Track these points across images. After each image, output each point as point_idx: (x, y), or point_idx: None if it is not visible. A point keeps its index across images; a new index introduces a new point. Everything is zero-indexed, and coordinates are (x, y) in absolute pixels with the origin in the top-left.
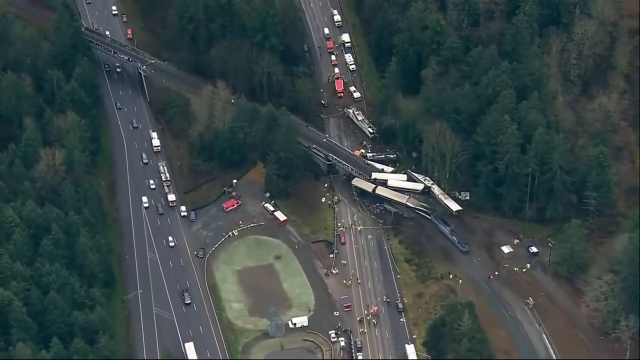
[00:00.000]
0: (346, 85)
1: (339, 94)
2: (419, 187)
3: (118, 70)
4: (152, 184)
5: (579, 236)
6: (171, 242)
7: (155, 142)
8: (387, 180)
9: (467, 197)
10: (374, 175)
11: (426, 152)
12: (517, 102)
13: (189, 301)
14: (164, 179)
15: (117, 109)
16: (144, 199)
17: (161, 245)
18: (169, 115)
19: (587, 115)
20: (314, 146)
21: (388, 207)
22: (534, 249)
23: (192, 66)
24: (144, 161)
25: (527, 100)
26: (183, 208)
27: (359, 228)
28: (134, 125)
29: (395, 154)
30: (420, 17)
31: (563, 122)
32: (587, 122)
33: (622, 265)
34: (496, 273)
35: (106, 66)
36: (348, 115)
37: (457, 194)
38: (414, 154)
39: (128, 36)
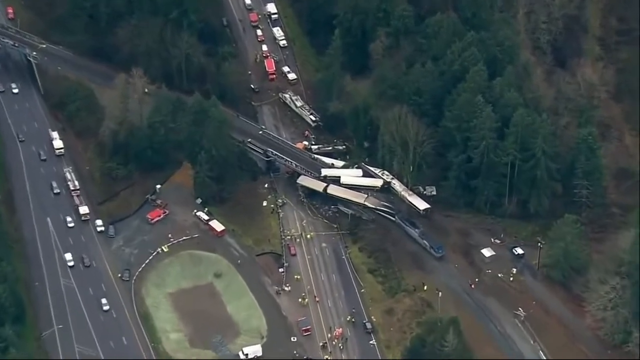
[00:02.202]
0: (278, 65)
1: (270, 76)
2: (378, 183)
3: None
4: (57, 190)
5: (574, 234)
6: (87, 263)
7: (57, 143)
8: (339, 177)
9: (434, 193)
10: (324, 171)
11: (383, 142)
12: (489, 79)
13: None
14: (72, 188)
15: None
16: (50, 213)
17: (77, 268)
18: (71, 111)
19: (567, 90)
20: (249, 140)
21: (343, 208)
22: (519, 250)
23: (92, 50)
24: (45, 168)
25: (500, 76)
26: (99, 222)
27: (310, 235)
28: (29, 125)
29: (345, 145)
30: None
31: (543, 100)
32: (568, 98)
33: (632, 267)
34: (477, 280)
35: None
36: (284, 101)
37: (422, 190)
38: (367, 144)
39: (9, 16)
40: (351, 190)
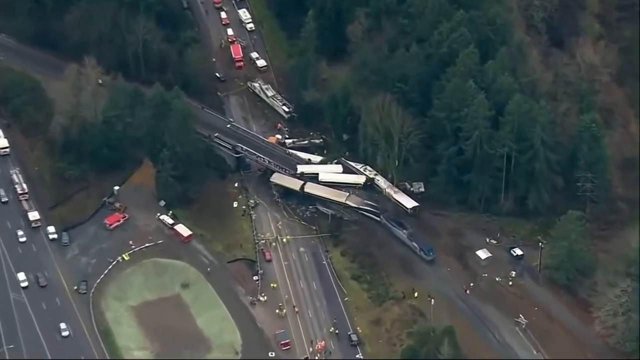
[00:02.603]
0: (245, 50)
1: (237, 63)
2: (360, 179)
3: None
4: (4, 199)
5: (579, 231)
6: (43, 283)
7: (2, 142)
8: (317, 173)
9: (422, 189)
10: (300, 168)
11: (364, 134)
12: (480, 62)
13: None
14: (19, 192)
15: None
16: None
17: (28, 281)
18: (16, 106)
19: (566, 72)
20: (217, 135)
21: (322, 208)
22: (517, 251)
23: (38, 38)
24: None
25: (493, 58)
26: (51, 229)
27: (286, 239)
28: None
29: (322, 139)
30: None
31: (540, 84)
32: (567, 81)
33: None
34: (472, 285)
35: None
36: (254, 91)
37: (408, 186)
38: (346, 137)
39: None
40: (331, 189)
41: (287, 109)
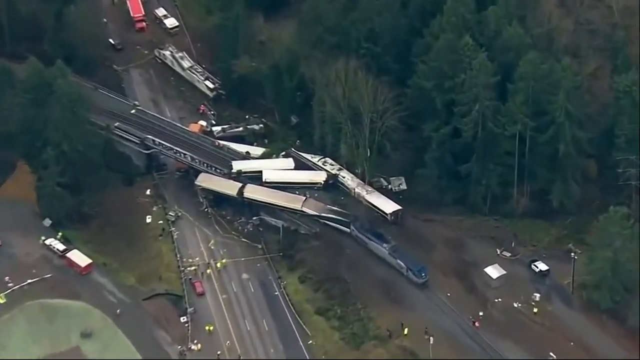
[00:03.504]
0: (147, 6)
1: (138, 24)
2: (320, 177)
3: None
4: None
5: (625, 235)
6: None
7: None
8: (260, 171)
9: (403, 187)
10: (236, 165)
11: (321, 115)
12: (477, 10)
13: None
14: None
15: None
16: None
17: None
18: None
19: (591, 18)
20: (118, 125)
21: (270, 219)
22: (541, 266)
23: None
24: None
25: (493, 3)
26: None
27: (221, 263)
28: None
29: (263, 123)
30: None
31: (558, 35)
32: (593, 30)
33: None
34: (481, 315)
35: None
36: (163, 62)
37: (385, 183)
38: (295, 120)
39: None
40: (280, 192)
41: (211, 85)
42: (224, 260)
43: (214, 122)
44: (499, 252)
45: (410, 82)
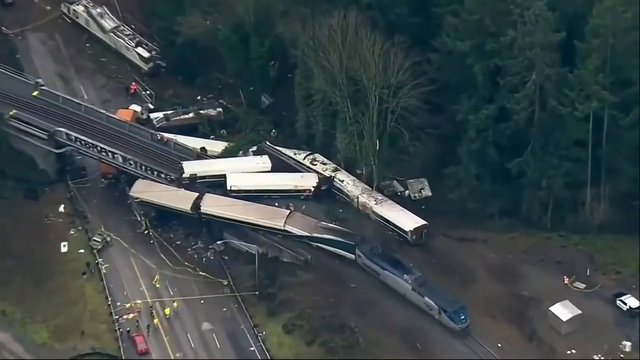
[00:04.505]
0: None
1: None
2: (309, 182)
3: None
4: None
5: None
6: None
7: None
8: (223, 175)
9: (426, 192)
10: (188, 167)
11: (307, 93)
12: None
13: None
14: None
15: None
16: None
17: None
18: None
19: None
20: (15, 112)
21: (238, 243)
22: (630, 302)
23: None
24: None
25: None
26: None
27: (172, 308)
28: None
29: (222, 106)
30: None
31: None
32: None
33: None
34: None
35: None
36: (75, 21)
37: (400, 188)
38: (268, 101)
39: None
40: (252, 204)
41: (146, 54)
42: (175, 304)
43: (151, 107)
44: (567, 283)
45: (436, 43)
